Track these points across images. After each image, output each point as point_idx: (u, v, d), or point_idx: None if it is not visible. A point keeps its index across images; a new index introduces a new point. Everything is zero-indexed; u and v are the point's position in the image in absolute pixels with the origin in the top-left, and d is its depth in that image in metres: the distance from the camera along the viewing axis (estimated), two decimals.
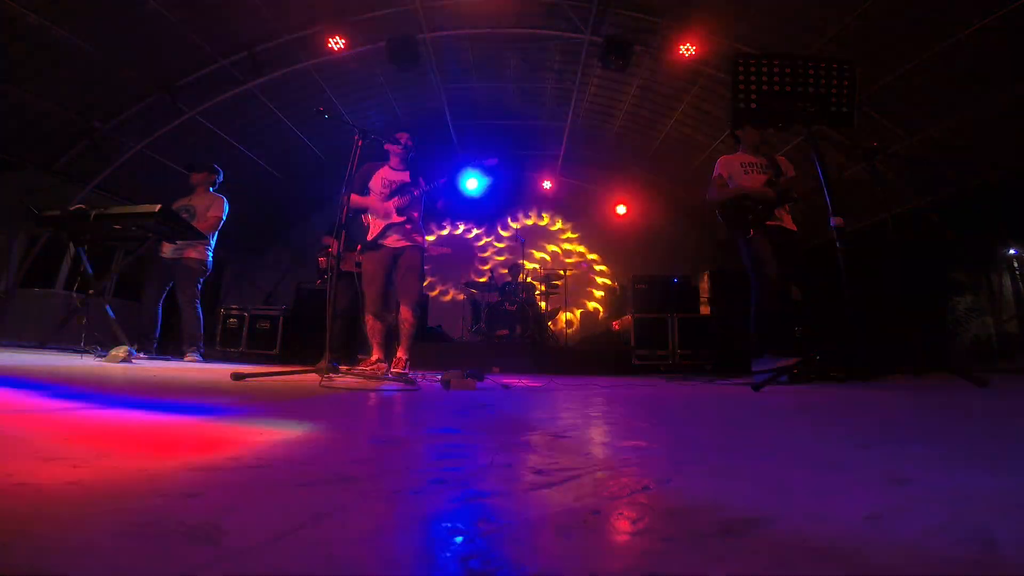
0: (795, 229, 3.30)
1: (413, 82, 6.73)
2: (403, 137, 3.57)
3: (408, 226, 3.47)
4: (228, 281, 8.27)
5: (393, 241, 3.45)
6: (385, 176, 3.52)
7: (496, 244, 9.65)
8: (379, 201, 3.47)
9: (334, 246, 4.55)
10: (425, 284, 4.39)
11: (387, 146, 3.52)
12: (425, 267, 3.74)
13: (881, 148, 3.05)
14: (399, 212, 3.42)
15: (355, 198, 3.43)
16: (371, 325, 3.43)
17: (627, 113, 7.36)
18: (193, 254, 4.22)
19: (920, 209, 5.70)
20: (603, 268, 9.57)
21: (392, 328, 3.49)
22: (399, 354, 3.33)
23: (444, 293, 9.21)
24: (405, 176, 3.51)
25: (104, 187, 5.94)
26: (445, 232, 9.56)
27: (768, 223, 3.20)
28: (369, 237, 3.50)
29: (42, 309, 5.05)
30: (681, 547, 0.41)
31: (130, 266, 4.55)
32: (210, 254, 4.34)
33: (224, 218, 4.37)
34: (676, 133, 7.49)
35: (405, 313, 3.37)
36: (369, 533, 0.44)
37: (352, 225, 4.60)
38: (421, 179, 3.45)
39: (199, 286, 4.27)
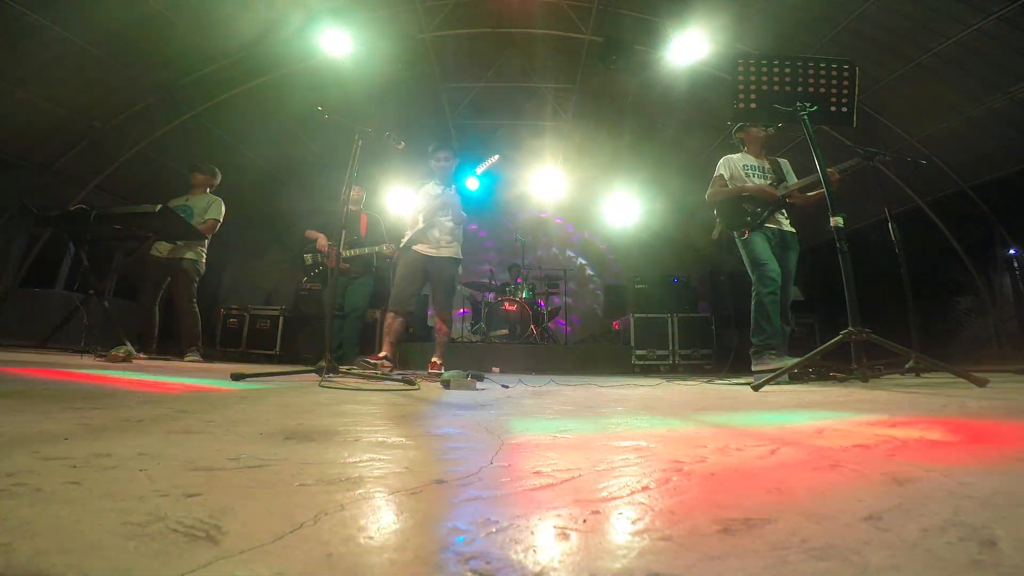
0: (794, 232, 3.29)
1: (413, 81, 6.73)
2: (439, 153, 3.79)
3: (434, 233, 3.64)
4: (228, 281, 8.26)
5: (422, 248, 3.64)
6: (427, 190, 3.84)
7: (496, 244, 9.64)
8: (413, 212, 3.76)
9: (320, 240, 4.54)
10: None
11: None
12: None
13: (881, 148, 3.04)
14: (423, 219, 3.65)
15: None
16: (389, 322, 3.53)
17: (627, 113, 7.35)
18: (190, 255, 4.19)
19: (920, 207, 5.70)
20: (603, 267, 9.57)
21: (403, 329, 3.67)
22: (434, 359, 3.55)
23: None
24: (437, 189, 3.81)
25: (104, 187, 5.93)
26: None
27: (767, 225, 3.19)
28: (403, 242, 3.75)
29: (42, 309, 5.05)
30: (681, 547, 0.41)
31: (130, 266, 4.55)
32: (204, 255, 4.33)
33: (221, 220, 4.36)
34: (677, 133, 7.48)
35: (440, 324, 3.67)
36: (369, 533, 0.44)
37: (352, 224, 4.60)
38: (439, 187, 3.74)
39: (195, 286, 4.26)
